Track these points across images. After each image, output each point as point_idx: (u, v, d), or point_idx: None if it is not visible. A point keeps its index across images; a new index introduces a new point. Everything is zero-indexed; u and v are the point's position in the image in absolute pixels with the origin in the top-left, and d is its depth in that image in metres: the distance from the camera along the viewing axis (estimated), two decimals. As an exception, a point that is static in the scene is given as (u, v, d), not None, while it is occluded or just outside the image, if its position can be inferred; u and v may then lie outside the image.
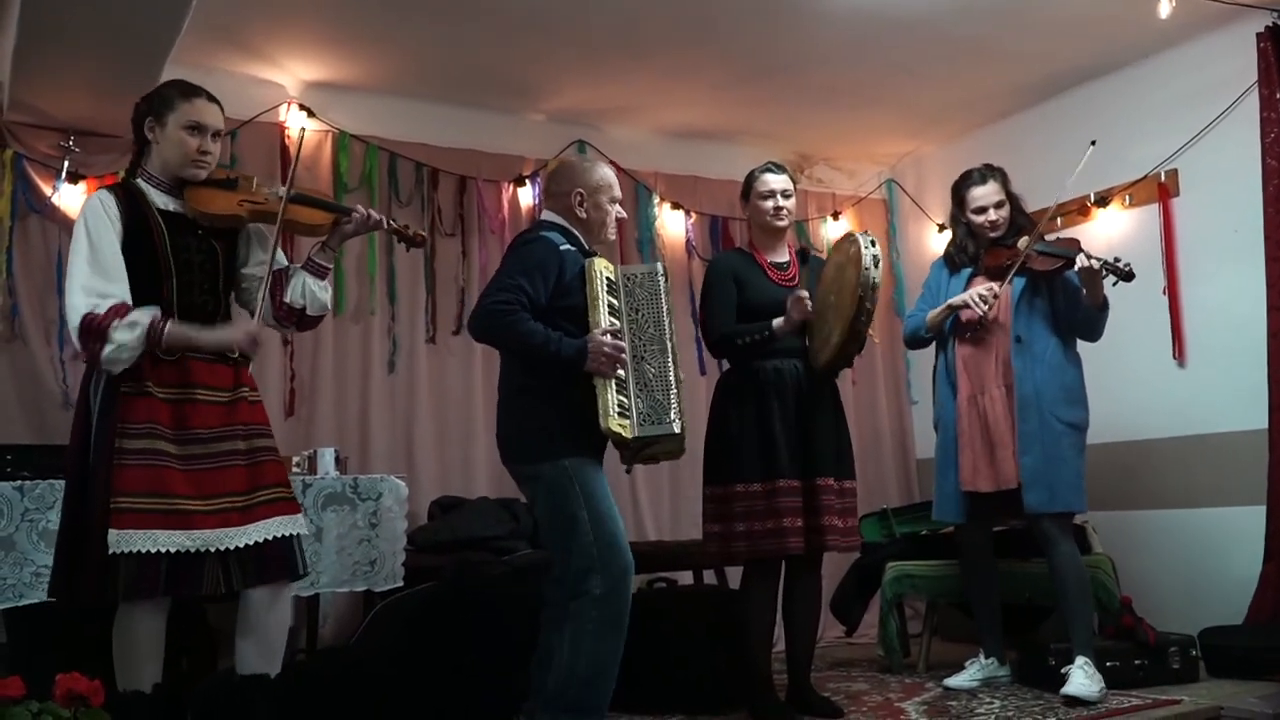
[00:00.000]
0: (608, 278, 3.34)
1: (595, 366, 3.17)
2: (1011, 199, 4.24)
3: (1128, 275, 4.00)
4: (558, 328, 3.21)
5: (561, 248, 3.33)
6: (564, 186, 3.47)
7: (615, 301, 3.33)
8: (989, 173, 4.25)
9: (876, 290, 3.64)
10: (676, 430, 3.21)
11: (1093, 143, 4.17)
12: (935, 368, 4.33)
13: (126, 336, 2.75)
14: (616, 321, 3.29)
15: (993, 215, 4.19)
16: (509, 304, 3.20)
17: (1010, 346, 4.05)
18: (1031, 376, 4.00)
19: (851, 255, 3.71)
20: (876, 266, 3.63)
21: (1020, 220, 4.23)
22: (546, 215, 3.52)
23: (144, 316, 2.79)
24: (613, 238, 3.57)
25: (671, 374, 3.27)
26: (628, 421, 3.19)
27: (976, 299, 4.04)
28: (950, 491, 4.14)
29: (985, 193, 4.21)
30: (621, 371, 3.23)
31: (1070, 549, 3.98)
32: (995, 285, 4.06)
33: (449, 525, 4.80)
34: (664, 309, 3.34)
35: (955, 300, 4.13)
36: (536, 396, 3.29)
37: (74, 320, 2.76)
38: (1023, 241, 4.10)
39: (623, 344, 3.23)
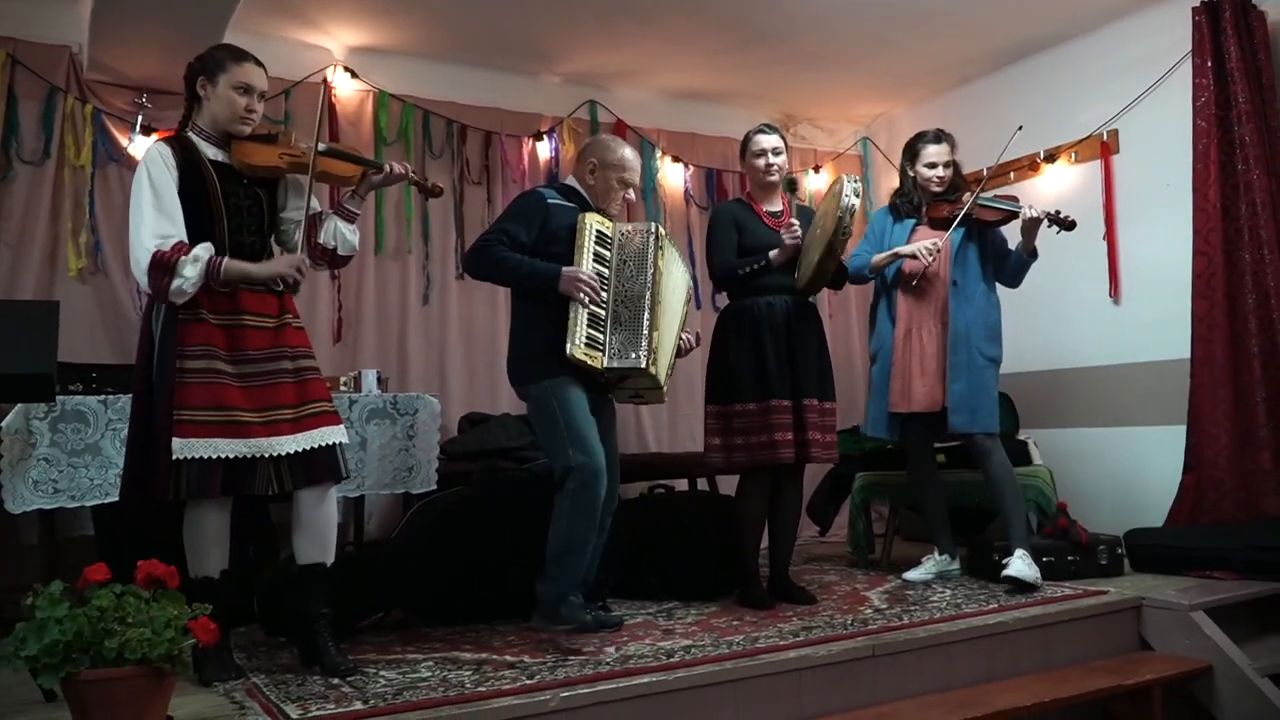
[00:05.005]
0: (599, 231, 3.30)
1: (567, 288, 3.17)
2: (954, 163, 4.19)
3: (1069, 224, 3.98)
4: None
5: (550, 200, 3.35)
6: (587, 156, 3.47)
7: (606, 253, 3.29)
8: (942, 135, 4.18)
9: (853, 214, 3.58)
10: (642, 365, 3.18)
11: (1019, 127, 4.11)
12: (874, 305, 4.27)
13: (191, 271, 2.70)
14: (603, 268, 3.26)
15: (941, 172, 4.13)
16: (490, 241, 3.28)
17: (947, 290, 4.02)
18: (964, 315, 3.98)
19: (835, 190, 3.68)
20: (857, 196, 3.59)
21: (958, 182, 4.19)
22: (569, 177, 3.53)
23: (203, 253, 2.75)
24: (615, 212, 3.46)
25: (646, 319, 3.22)
26: (599, 354, 3.19)
27: (924, 250, 3.98)
28: (883, 412, 4.12)
29: (938, 151, 4.14)
30: (600, 310, 3.21)
31: (1001, 458, 3.97)
32: (939, 240, 4.00)
33: (476, 437, 4.81)
34: (650, 264, 3.27)
35: (904, 250, 4.05)
36: (528, 327, 3.34)
37: (145, 259, 2.69)
38: (967, 196, 4.06)
39: (596, 279, 3.20)
